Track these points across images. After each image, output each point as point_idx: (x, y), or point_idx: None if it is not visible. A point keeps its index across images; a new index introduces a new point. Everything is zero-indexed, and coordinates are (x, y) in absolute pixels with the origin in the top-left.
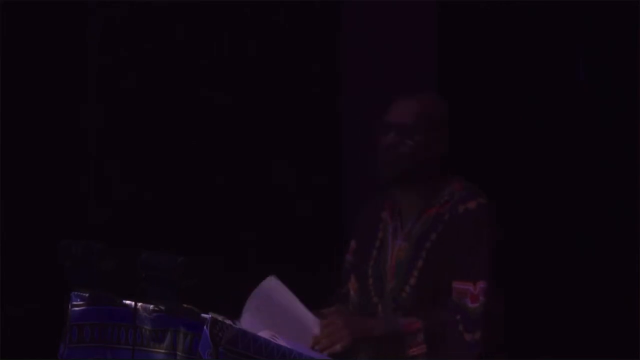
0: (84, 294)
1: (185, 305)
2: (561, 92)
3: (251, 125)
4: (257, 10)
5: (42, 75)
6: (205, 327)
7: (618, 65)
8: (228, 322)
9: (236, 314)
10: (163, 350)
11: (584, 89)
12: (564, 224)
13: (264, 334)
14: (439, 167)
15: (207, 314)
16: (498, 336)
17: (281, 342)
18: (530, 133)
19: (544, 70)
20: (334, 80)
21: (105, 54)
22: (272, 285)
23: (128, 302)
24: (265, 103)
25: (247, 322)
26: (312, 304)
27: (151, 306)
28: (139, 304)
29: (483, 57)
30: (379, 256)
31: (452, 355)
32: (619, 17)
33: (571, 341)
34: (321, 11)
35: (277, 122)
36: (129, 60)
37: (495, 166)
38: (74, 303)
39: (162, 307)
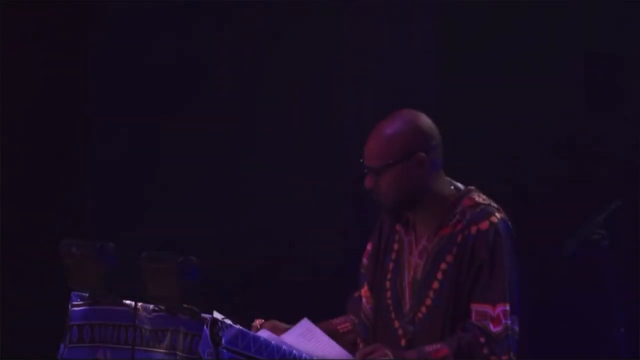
0: (84, 294)
1: (185, 305)
2: (560, 92)
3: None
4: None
5: (43, 72)
6: (205, 327)
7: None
8: (228, 321)
9: (236, 314)
10: (163, 350)
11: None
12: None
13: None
14: (437, 185)
15: (208, 313)
16: (519, 356)
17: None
18: (532, 132)
19: (544, 71)
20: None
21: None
22: (306, 325)
23: (128, 302)
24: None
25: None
26: (324, 309)
27: (151, 306)
28: (139, 304)
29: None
30: (396, 270)
31: None
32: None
33: (570, 341)
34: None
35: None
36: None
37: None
38: (74, 303)
39: (162, 307)
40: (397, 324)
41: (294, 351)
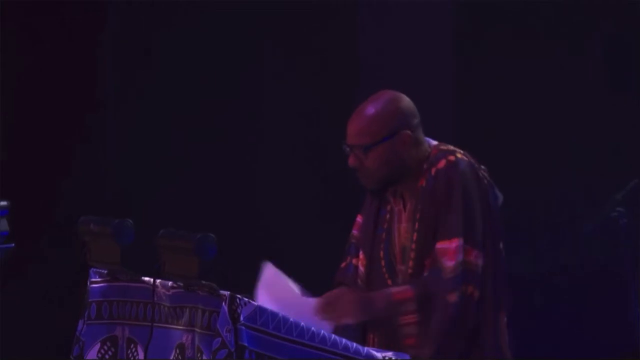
0: (103, 271)
1: (203, 282)
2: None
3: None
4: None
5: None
6: (223, 303)
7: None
8: (246, 298)
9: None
10: (181, 327)
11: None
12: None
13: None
14: (418, 154)
15: (226, 290)
16: (499, 298)
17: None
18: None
19: (559, 58)
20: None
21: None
22: (270, 271)
23: (147, 278)
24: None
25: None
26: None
27: (169, 283)
28: (158, 281)
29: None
30: (387, 240)
31: (437, 319)
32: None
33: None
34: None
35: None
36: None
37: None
38: (93, 280)
39: (181, 284)
40: None
41: (313, 327)
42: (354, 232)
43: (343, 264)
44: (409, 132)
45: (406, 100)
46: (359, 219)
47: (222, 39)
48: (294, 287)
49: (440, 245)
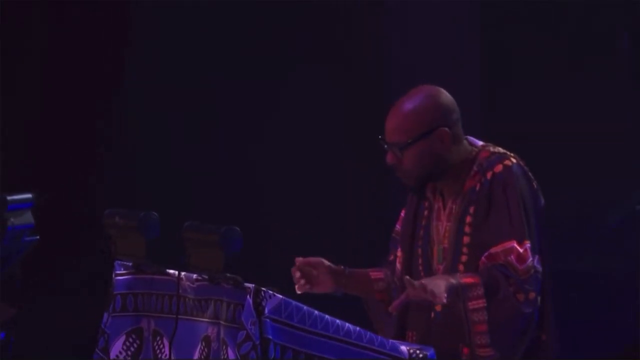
0: (128, 263)
1: (228, 275)
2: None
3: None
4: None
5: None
6: (248, 296)
7: None
8: (271, 291)
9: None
10: (207, 320)
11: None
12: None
13: None
14: (459, 152)
15: (251, 283)
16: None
17: None
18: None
19: (585, 41)
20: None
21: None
22: None
23: (171, 271)
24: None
25: None
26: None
27: (194, 275)
28: (183, 273)
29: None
30: (425, 237)
31: (506, 315)
32: None
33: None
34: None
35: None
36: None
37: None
38: (118, 272)
39: (206, 277)
40: None
41: (337, 321)
42: (397, 226)
43: (391, 257)
44: (446, 129)
45: (444, 96)
46: (402, 213)
47: (239, 36)
48: None
49: (504, 246)
